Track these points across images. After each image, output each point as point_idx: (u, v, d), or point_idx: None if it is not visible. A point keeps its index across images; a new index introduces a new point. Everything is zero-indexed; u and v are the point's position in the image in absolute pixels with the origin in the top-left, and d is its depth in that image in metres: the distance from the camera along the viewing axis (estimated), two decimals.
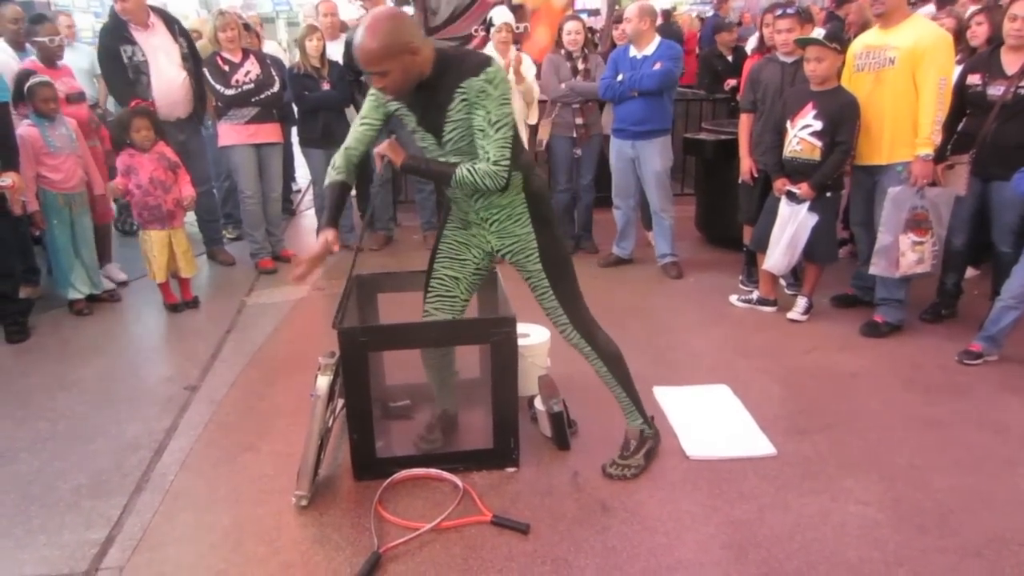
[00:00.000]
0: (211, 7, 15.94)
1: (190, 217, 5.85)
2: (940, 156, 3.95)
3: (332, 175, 2.74)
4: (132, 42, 4.98)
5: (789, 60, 4.39)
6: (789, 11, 4.43)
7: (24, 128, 4.37)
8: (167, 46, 5.12)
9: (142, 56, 4.99)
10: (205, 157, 5.55)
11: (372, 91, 2.61)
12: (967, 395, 3.46)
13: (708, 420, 3.24)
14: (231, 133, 5.25)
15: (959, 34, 4.57)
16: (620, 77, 4.87)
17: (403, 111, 2.61)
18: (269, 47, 7.15)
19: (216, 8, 5.88)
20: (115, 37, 5.02)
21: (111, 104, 5.76)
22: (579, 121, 5.32)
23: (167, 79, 5.07)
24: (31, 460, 3.09)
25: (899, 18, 3.88)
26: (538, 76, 5.52)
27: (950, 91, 3.79)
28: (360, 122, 2.68)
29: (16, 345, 4.27)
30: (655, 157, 4.98)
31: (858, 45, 4.09)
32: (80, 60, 5.86)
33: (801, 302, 4.35)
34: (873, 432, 3.15)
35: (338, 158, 2.72)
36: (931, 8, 6.02)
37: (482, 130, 2.45)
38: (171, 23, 5.22)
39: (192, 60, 5.22)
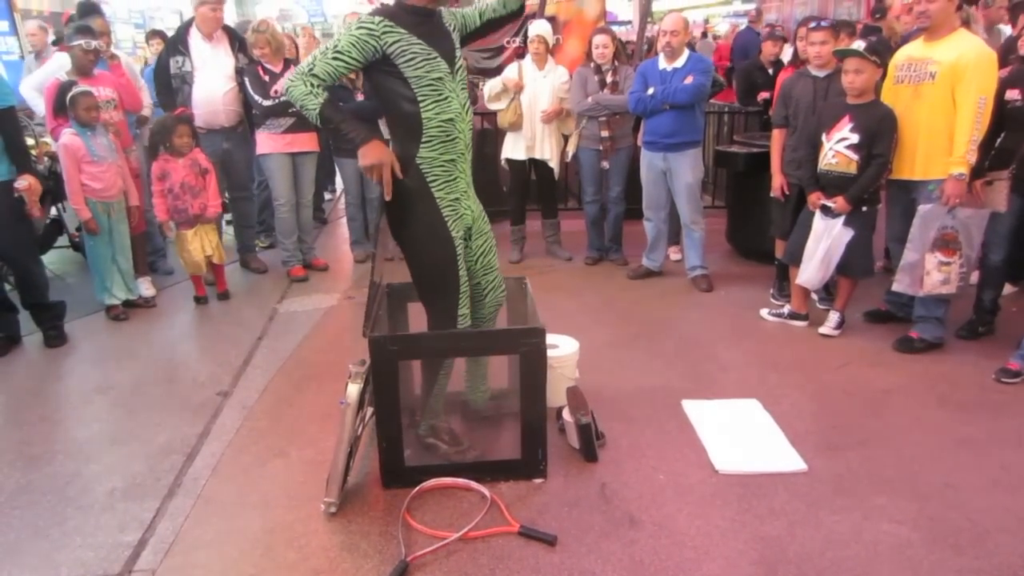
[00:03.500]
0: (246, 15, 16.22)
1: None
2: (979, 172, 3.88)
3: (318, 101, 2.57)
4: (184, 53, 5.26)
5: (821, 74, 4.36)
6: (823, 23, 4.40)
7: (68, 137, 4.48)
8: (220, 59, 5.33)
9: (189, 67, 5.26)
10: (247, 165, 5.65)
11: (368, 26, 2.55)
12: (1004, 414, 3.39)
13: (738, 434, 3.21)
14: (268, 142, 5.35)
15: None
16: (651, 91, 4.86)
17: (406, 44, 2.58)
18: None
19: (255, 21, 6.01)
20: (170, 49, 5.39)
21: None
22: (604, 134, 5.32)
23: (209, 90, 5.26)
24: (67, 463, 3.15)
25: (945, 32, 3.78)
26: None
27: (989, 110, 3.69)
28: (335, 57, 2.56)
29: (54, 349, 4.37)
30: (686, 169, 4.96)
31: (901, 56, 4.01)
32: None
33: (833, 317, 4.29)
34: (907, 449, 3.10)
35: (314, 88, 2.57)
36: None
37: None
38: (234, 39, 5.45)
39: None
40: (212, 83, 5.27)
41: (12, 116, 4.21)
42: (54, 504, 2.86)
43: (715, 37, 14.47)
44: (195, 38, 5.30)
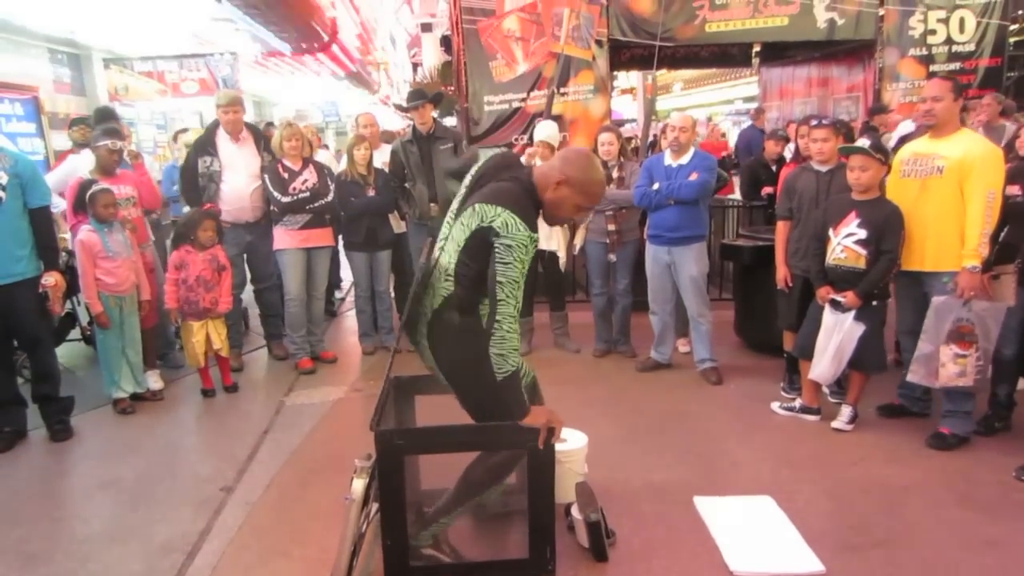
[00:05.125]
0: (263, 116, 16.83)
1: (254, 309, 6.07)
2: (985, 266, 3.90)
3: (517, 361, 2.59)
4: (212, 154, 5.48)
5: (823, 169, 4.45)
6: (824, 121, 4.52)
7: (85, 234, 4.58)
8: (247, 158, 5.56)
9: (218, 167, 5.46)
10: (270, 256, 5.73)
11: (532, 241, 2.54)
12: None
13: (752, 533, 3.12)
14: (284, 237, 5.45)
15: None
16: (656, 186, 4.97)
17: None
18: (321, 156, 7.46)
19: (284, 119, 6.25)
20: (198, 150, 5.59)
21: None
22: (611, 228, 5.40)
23: (236, 188, 5.47)
24: (66, 562, 3.08)
25: (950, 130, 3.90)
26: None
27: (998, 204, 3.75)
28: (521, 285, 2.54)
29: (60, 444, 4.33)
30: (691, 263, 5.01)
31: (906, 152, 4.11)
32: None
33: (846, 411, 4.23)
34: (929, 551, 3.00)
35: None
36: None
37: None
38: (259, 139, 5.68)
39: None
40: (240, 181, 5.47)
41: (47, 215, 4.41)
42: None
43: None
44: (222, 139, 5.53)
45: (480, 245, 2.56)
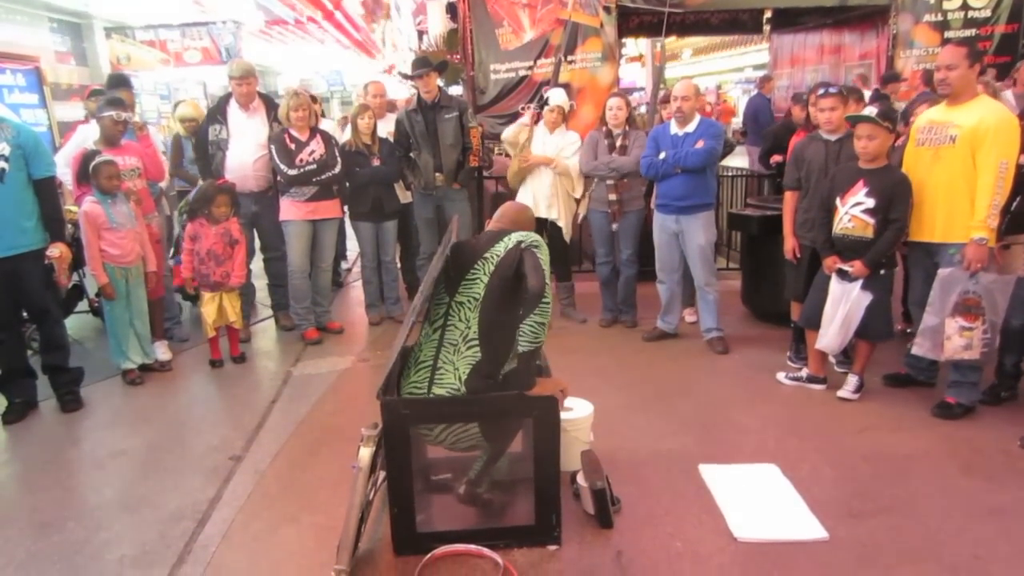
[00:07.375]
0: (267, 86, 16.69)
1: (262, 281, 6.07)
2: (996, 236, 3.86)
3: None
4: (221, 122, 5.49)
5: (833, 138, 4.40)
6: (832, 90, 4.45)
7: (88, 205, 4.58)
8: (255, 127, 5.53)
9: (225, 135, 5.47)
10: (277, 227, 5.70)
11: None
12: None
13: (757, 501, 3.14)
14: (291, 209, 5.43)
15: None
16: (662, 155, 4.93)
17: None
18: (325, 125, 7.40)
19: (291, 88, 6.16)
20: (209, 118, 5.64)
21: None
22: (612, 197, 5.37)
23: (240, 157, 5.46)
24: (78, 530, 3.13)
25: (967, 97, 3.81)
26: None
27: (1011, 175, 3.68)
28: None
29: (70, 414, 4.37)
30: (698, 232, 4.99)
31: (923, 120, 4.04)
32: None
33: (852, 380, 4.24)
34: (932, 519, 3.01)
35: None
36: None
37: None
38: (271, 109, 5.63)
39: None
40: (244, 150, 5.45)
41: (51, 186, 4.40)
42: (63, 573, 2.83)
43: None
44: (233, 107, 5.52)
45: (510, 266, 2.85)
